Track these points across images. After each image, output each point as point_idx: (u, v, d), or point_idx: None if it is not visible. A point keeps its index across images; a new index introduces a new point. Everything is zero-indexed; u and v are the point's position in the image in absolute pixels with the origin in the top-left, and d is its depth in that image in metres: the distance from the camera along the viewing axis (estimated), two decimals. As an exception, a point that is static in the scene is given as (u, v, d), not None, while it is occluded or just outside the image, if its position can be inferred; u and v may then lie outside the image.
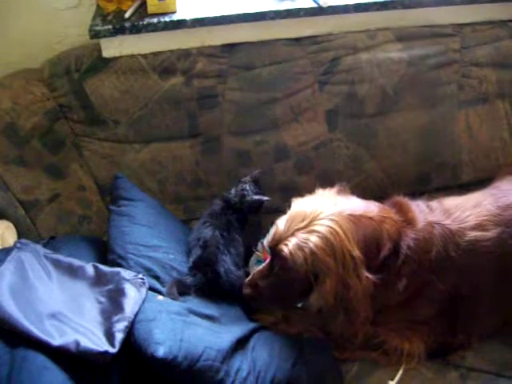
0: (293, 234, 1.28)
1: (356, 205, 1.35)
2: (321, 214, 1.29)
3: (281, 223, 1.32)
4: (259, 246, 1.70)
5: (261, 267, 1.39)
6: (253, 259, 1.61)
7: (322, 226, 1.27)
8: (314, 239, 1.26)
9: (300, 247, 1.26)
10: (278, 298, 1.38)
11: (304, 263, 1.26)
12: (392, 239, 1.31)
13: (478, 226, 1.35)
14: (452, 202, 1.42)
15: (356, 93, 1.71)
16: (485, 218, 1.36)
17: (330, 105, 1.71)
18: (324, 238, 1.26)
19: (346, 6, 1.66)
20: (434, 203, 1.42)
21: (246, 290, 1.39)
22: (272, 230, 1.39)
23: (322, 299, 1.28)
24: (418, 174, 1.80)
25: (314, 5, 1.64)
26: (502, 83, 1.75)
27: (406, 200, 1.43)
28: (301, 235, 1.28)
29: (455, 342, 1.39)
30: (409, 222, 1.36)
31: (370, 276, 1.26)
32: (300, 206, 1.34)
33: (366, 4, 1.67)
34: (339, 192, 1.39)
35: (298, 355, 1.32)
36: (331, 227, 1.26)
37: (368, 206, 1.35)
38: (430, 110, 1.75)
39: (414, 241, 1.33)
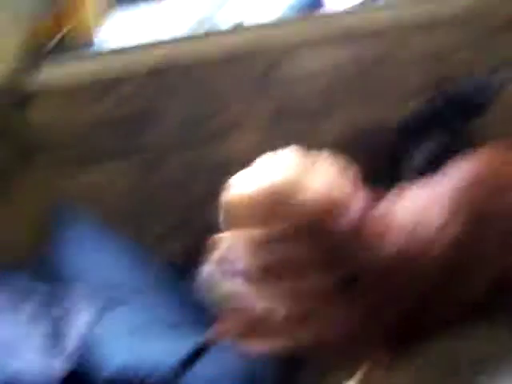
0: None
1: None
2: None
3: None
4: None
5: None
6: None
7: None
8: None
9: None
10: None
11: None
12: None
13: None
14: None
15: (296, 98, 1.74)
16: None
17: (271, 113, 1.74)
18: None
19: (273, 20, 1.71)
20: None
21: None
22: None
23: None
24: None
25: (238, 21, 1.67)
26: (434, 76, 1.80)
27: None
28: None
29: None
30: None
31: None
32: None
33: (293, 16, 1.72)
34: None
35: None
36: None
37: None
38: (372, 107, 1.79)
39: None
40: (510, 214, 1.41)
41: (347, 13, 1.75)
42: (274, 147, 1.72)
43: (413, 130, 1.76)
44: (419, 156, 1.70)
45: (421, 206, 1.39)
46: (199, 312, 1.50)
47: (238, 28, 1.68)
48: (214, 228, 1.75)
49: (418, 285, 1.31)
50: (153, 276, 1.53)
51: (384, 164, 1.77)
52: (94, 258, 1.45)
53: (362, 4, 1.74)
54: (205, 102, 1.70)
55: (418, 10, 1.80)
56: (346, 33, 1.76)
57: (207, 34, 1.67)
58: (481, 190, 1.41)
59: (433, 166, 1.54)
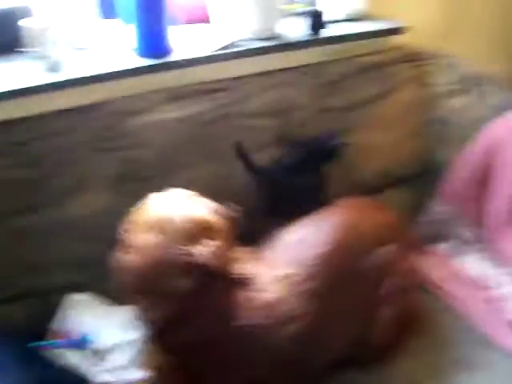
0: None
1: None
2: None
3: None
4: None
5: None
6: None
7: None
8: None
9: None
10: None
11: None
12: None
13: None
14: None
15: (136, 157, 1.70)
16: None
17: (111, 172, 1.69)
18: None
19: (120, 71, 1.66)
20: None
21: None
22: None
23: None
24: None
25: (85, 74, 1.62)
26: (275, 131, 1.86)
27: None
28: None
29: None
30: None
31: None
32: None
33: (138, 68, 1.68)
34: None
35: None
36: None
37: None
38: (212, 164, 1.79)
39: None
40: (372, 273, 1.45)
41: (196, 64, 1.76)
42: (117, 208, 1.70)
43: (274, 182, 1.80)
44: (284, 207, 1.73)
45: (282, 276, 1.39)
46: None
47: (85, 80, 1.62)
48: (57, 293, 1.68)
49: (270, 355, 1.32)
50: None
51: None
52: None
53: (210, 55, 1.76)
54: (47, 159, 1.63)
55: (264, 63, 1.86)
56: (194, 85, 1.79)
57: (52, 86, 1.59)
58: (346, 255, 1.44)
59: (299, 214, 1.56)
